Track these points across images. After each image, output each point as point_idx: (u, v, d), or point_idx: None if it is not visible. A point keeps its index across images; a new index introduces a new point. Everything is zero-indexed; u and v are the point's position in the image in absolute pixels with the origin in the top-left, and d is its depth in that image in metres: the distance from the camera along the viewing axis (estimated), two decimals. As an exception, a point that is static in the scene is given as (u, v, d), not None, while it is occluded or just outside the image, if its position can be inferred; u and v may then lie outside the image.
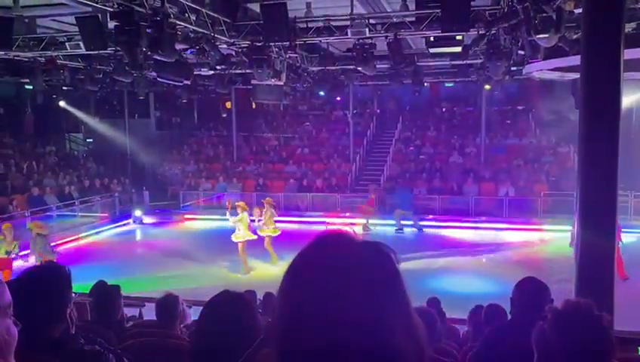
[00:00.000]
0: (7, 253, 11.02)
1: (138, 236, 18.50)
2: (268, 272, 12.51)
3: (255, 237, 12.76)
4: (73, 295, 2.39)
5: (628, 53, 5.85)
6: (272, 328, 1.04)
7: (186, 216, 20.16)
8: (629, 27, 9.44)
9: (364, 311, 0.96)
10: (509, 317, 3.32)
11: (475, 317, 5.76)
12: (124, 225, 19.17)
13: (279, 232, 13.57)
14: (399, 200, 17.73)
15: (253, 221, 13.50)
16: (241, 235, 12.53)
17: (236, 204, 13.12)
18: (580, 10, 7.44)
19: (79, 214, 18.20)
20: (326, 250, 1.02)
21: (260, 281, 11.32)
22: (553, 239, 16.03)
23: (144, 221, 19.75)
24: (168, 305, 4.43)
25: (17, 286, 2.12)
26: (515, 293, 3.09)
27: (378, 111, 26.61)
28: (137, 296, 8.24)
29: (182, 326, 4.60)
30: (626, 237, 13.65)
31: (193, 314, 5.49)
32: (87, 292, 6.05)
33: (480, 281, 11.96)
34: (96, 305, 4.70)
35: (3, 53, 12.96)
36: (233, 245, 12.65)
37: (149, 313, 6.03)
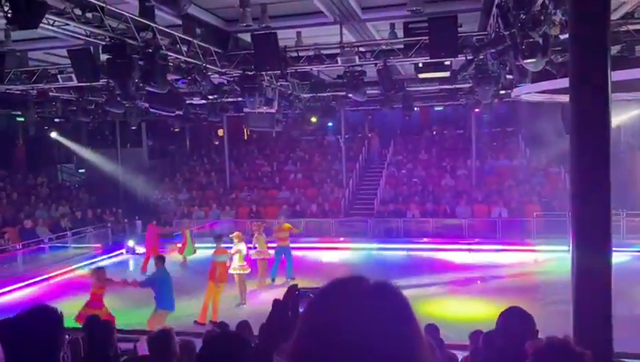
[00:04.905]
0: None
1: (131, 266, 18.31)
2: (264, 300, 12.43)
3: (248, 270, 12.62)
4: (66, 336, 2.37)
5: (614, 75, 5.96)
6: None
7: (179, 245, 19.99)
8: (614, 50, 9.63)
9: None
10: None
11: (474, 342, 5.71)
12: (117, 255, 19.00)
13: (270, 256, 14.02)
14: None
15: (253, 248, 13.73)
16: (236, 267, 12.42)
17: (231, 235, 13.11)
18: (565, 36, 7.60)
19: (72, 246, 18.03)
20: (338, 297, 1.09)
21: (255, 311, 11.23)
22: (547, 260, 16.04)
23: (137, 251, 19.58)
24: (162, 340, 4.36)
25: (8, 332, 2.10)
26: (498, 323, 3.03)
27: (369, 135, 26.79)
28: (131, 330, 8.14)
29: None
30: (619, 257, 13.70)
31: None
32: (80, 326, 5.99)
33: (476, 305, 11.90)
34: (89, 341, 4.63)
35: (-5, 86, 13.00)
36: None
37: (144, 346, 5.94)
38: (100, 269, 10.25)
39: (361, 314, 1.05)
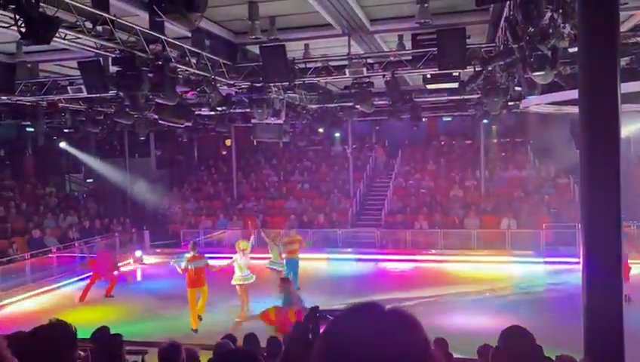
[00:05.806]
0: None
1: (138, 276, 18.33)
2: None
3: (252, 279, 12.29)
4: (80, 353, 2.38)
5: (624, 87, 5.94)
6: None
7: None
8: (623, 61, 9.60)
9: None
10: None
11: (483, 356, 5.67)
12: (124, 265, 19.01)
13: (284, 267, 13.87)
14: None
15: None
16: (237, 277, 12.20)
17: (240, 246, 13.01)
18: (574, 49, 7.59)
19: (79, 255, 18.07)
20: (354, 323, 1.13)
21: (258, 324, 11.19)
22: (557, 271, 15.91)
23: (144, 261, 19.61)
24: (171, 354, 4.36)
25: (24, 348, 2.11)
26: (499, 343, 2.98)
27: (375, 145, 26.76)
28: (139, 341, 8.12)
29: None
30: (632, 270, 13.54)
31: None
32: (89, 336, 5.97)
33: (485, 318, 11.79)
34: (99, 353, 4.63)
35: (6, 98, 13.10)
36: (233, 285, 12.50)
37: (151, 358, 5.93)
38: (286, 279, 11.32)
39: (375, 339, 1.09)
